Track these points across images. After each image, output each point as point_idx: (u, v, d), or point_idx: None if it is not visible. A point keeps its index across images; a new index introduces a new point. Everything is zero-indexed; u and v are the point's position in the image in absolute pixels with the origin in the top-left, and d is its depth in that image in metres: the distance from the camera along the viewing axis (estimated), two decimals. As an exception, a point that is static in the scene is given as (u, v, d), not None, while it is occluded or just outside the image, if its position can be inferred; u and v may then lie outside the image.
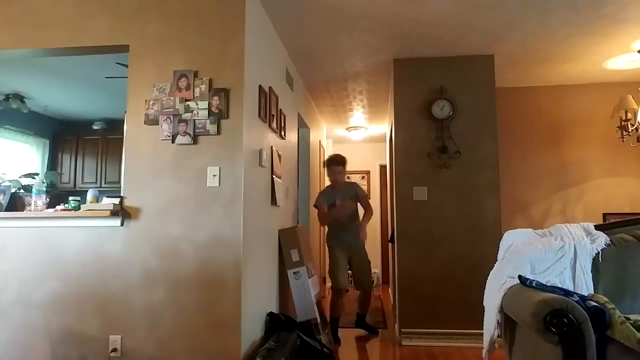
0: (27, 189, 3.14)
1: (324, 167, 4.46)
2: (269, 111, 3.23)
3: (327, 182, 7.31)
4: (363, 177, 7.98)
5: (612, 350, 1.75)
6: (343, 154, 4.44)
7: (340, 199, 4.16)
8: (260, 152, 3.00)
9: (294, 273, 3.38)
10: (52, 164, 6.19)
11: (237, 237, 2.57)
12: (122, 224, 2.66)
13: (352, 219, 4.23)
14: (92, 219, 2.66)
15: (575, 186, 4.78)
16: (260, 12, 3.09)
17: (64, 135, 6.23)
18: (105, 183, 6.13)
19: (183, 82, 2.69)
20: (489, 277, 2.56)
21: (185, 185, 2.64)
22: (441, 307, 3.82)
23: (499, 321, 2.31)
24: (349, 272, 4.26)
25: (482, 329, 2.50)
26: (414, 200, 4.00)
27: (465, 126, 4.01)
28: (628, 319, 1.81)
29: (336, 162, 4.28)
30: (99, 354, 2.59)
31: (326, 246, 4.37)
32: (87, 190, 3.12)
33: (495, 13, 3.28)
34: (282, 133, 3.69)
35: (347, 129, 7.02)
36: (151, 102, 2.72)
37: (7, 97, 5.03)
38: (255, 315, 2.84)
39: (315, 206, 4.42)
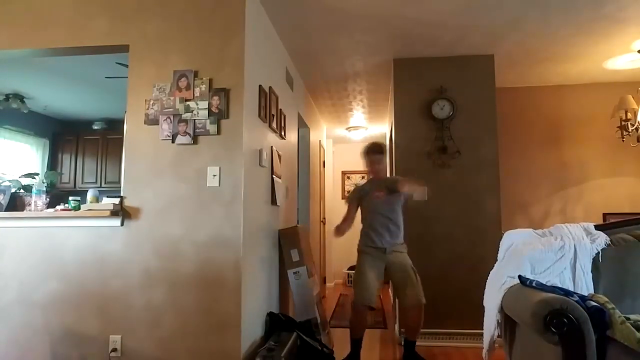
0: (27, 189, 3.14)
1: (362, 156, 3.55)
2: (269, 111, 3.23)
3: (328, 182, 7.32)
4: (363, 177, 7.97)
5: (612, 350, 1.74)
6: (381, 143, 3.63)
7: (376, 190, 3.38)
8: (260, 152, 3.00)
9: (294, 273, 3.38)
10: (52, 164, 6.19)
11: (237, 237, 2.57)
12: (122, 224, 2.66)
13: (393, 221, 3.34)
14: (92, 219, 2.66)
15: (575, 186, 4.78)
16: (260, 12, 3.09)
17: (64, 135, 6.23)
18: (105, 183, 6.13)
19: (183, 82, 2.69)
20: (489, 277, 2.56)
21: (185, 185, 2.64)
22: (441, 307, 3.82)
23: (499, 321, 2.31)
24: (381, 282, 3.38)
25: (482, 329, 2.50)
26: (414, 201, 3.99)
27: (465, 126, 4.01)
28: (628, 319, 1.81)
29: (374, 151, 3.47)
30: (99, 354, 2.59)
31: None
32: (87, 190, 3.12)
33: (495, 13, 3.28)
34: (282, 133, 3.69)
35: (347, 129, 7.02)
36: (151, 102, 2.72)
37: (7, 97, 5.03)
38: (255, 315, 2.84)
39: (346, 201, 3.62)
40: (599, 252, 2.39)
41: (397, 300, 3.77)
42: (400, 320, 3.87)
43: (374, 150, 3.47)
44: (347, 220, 3.38)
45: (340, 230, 3.36)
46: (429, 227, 3.97)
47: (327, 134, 7.25)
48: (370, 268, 3.26)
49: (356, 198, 3.45)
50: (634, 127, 4.00)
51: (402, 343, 3.60)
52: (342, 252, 7.17)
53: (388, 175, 3.66)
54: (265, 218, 3.16)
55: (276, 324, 3.03)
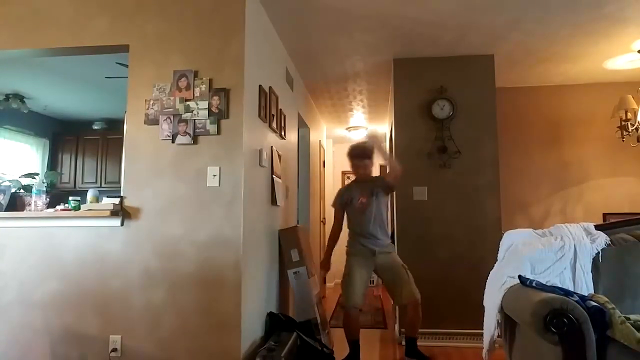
0: (27, 189, 3.14)
1: (347, 158, 3.48)
2: (269, 111, 3.23)
3: (328, 182, 7.32)
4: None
5: (612, 350, 1.75)
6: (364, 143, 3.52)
7: (360, 195, 3.32)
8: (260, 152, 3.00)
9: (294, 273, 3.38)
10: (52, 164, 6.19)
11: (237, 237, 2.57)
12: (122, 224, 2.66)
13: (379, 224, 3.34)
14: (92, 219, 2.66)
15: (575, 186, 4.78)
16: (260, 12, 3.09)
17: (64, 135, 6.23)
18: (105, 183, 6.13)
19: (183, 82, 2.69)
20: (489, 277, 2.56)
21: (185, 185, 2.64)
22: (441, 307, 3.82)
23: (499, 321, 2.31)
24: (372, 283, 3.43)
25: (482, 329, 2.50)
26: (414, 200, 4.00)
27: (465, 126, 4.01)
28: (628, 318, 1.81)
29: (360, 156, 3.38)
30: (99, 354, 2.59)
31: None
32: (87, 190, 3.12)
33: (495, 13, 3.28)
34: (282, 133, 3.69)
35: (347, 129, 7.02)
36: (151, 102, 2.71)
37: (7, 97, 5.03)
38: (255, 315, 2.84)
39: (332, 206, 3.59)
40: (599, 252, 2.39)
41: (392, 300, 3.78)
42: (400, 319, 3.87)
43: (359, 156, 3.39)
44: (335, 233, 3.49)
45: (325, 265, 3.52)
46: (429, 227, 3.97)
47: (327, 134, 7.25)
48: (358, 270, 3.28)
49: (341, 203, 3.45)
50: (634, 127, 4.00)
51: (403, 342, 3.60)
52: (342, 252, 7.14)
53: (374, 174, 3.56)
54: (265, 218, 3.16)
55: (276, 324, 3.03)
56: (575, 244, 2.41)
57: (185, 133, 2.66)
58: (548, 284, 2.12)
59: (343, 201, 3.44)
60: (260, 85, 3.01)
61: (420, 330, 3.39)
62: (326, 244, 3.55)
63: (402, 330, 3.76)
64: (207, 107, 2.66)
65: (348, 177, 7.95)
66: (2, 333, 2.68)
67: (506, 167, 4.52)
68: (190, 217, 2.61)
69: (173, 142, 2.67)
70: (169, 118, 2.69)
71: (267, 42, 3.29)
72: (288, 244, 3.44)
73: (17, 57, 3.39)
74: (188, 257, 2.59)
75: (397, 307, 4.04)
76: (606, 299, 1.91)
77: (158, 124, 2.70)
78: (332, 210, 3.58)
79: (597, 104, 4.73)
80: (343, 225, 3.51)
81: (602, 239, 2.43)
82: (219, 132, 2.65)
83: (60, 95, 5.24)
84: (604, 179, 4.75)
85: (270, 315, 3.09)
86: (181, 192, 2.64)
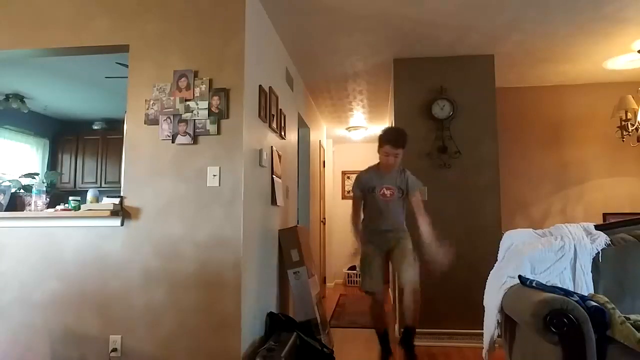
0: (27, 189, 3.14)
1: (379, 141, 3.24)
2: (269, 111, 3.23)
3: (328, 182, 7.32)
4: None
5: (612, 350, 1.75)
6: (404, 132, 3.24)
7: (384, 186, 3.19)
8: (260, 152, 3.00)
9: (294, 273, 3.38)
10: (52, 164, 6.19)
11: (237, 237, 2.58)
12: (122, 224, 2.66)
13: (397, 211, 3.26)
14: (92, 219, 2.66)
15: (575, 186, 4.78)
16: (260, 12, 3.09)
17: (64, 135, 6.23)
18: (105, 183, 6.13)
19: (183, 82, 2.69)
20: (489, 277, 2.57)
21: (185, 185, 2.64)
22: (441, 307, 3.82)
23: (499, 321, 2.31)
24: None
25: (482, 329, 2.50)
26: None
27: (465, 126, 4.01)
28: (628, 318, 1.81)
29: (395, 142, 3.12)
30: (99, 354, 2.59)
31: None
32: (87, 190, 3.12)
33: (495, 13, 3.28)
34: (282, 133, 3.69)
35: (347, 129, 7.02)
36: (151, 102, 2.72)
37: (7, 97, 5.03)
38: (255, 315, 2.84)
39: (350, 192, 3.44)
40: (599, 252, 2.40)
41: (396, 300, 3.78)
42: (398, 305, 3.85)
43: (395, 143, 3.13)
44: (356, 215, 3.38)
45: (357, 229, 3.36)
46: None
47: (327, 134, 7.25)
48: (370, 257, 3.27)
49: (361, 190, 3.33)
50: (634, 127, 4.00)
51: (400, 333, 3.54)
52: (342, 252, 7.17)
53: (399, 168, 3.30)
54: (265, 218, 3.16)
55: (276, 324, 3.03)
56: (575, 244, 2.41)
57: (185, 133, 2.66)
58: (548, 284, 2.12)
59: (363, 188, 3.30)
60: (260, 85, 3.01)
61: (420, 330, 3.38)
62: (352, 228, 3.38)
63: (402, 330, 3.75)
64: (207, 107, 2.66)
65: (348, 177, 7.95)
66: (2, 333, 2.68)
67: (506, 167, 4.52)
68: (190, 217, 2.61)
69: (173, 142, 2.67)
70: (169, 118, 2.69)
71: (267, 42, 3.29)
72: (288, 244, 3.45)
73: (17, 57, 3.40)
74: (188, 257, 2.59)
75: (397, 307, 4.04)
76: (606, 299, 1.91)
77: (158, 124, 2.70)
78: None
79: (597, 104, 4.73)
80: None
81: (602, 239, 2.43)
82: (219, 132, 2.65)
83: (60, 95, 5.24)
84: (604, 179, 4.76)
85: (270, 315, 3.09)
86: (181, 192, 2.64)
